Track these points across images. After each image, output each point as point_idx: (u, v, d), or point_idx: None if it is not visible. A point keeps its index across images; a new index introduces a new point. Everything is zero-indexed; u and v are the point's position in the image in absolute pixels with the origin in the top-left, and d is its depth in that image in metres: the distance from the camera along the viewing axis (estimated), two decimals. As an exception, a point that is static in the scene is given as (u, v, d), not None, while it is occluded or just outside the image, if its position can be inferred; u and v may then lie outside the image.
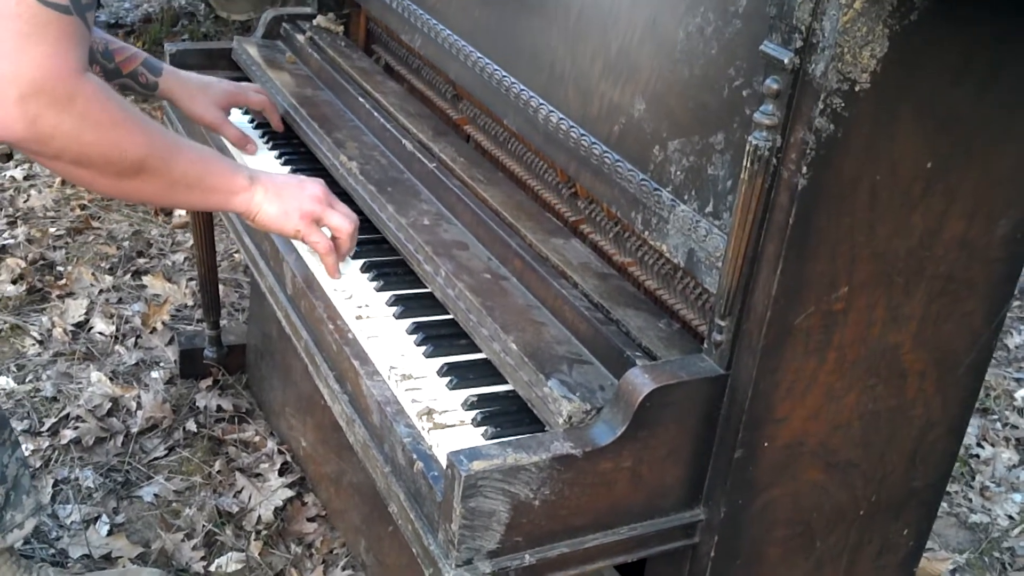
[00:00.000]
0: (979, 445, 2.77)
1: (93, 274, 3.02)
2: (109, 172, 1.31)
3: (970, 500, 2.58)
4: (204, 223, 2.45)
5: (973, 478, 2.65)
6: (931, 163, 1.11)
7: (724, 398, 1.17)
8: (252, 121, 2.02)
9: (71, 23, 1.21)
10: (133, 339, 2.78)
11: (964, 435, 1.37)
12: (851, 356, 1.19)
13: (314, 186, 1.52)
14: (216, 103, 1.86)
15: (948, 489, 2.58)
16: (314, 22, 2.20)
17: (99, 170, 1.30)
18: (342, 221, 1.50)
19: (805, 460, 1.24)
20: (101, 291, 2.96)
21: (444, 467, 1.12)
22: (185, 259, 3.17)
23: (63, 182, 3.49)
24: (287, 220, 1.48)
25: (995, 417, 2.91)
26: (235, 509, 2.24)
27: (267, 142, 1.94)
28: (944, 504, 2.53)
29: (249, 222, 1.50)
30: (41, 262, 3.06)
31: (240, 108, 1.94)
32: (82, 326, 2.81)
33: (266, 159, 1.89)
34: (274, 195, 1.47)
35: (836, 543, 1.35)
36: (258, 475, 2.34)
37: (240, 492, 2.29)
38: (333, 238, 1.51)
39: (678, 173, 1.26)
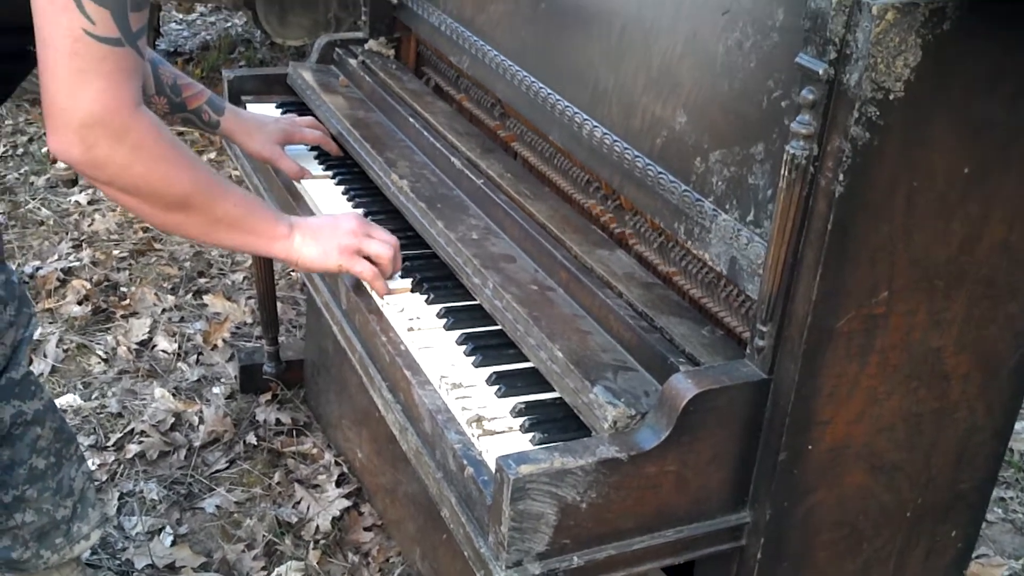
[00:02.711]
0: (1035, 452, 2.73)
1: (156, 294, 3.11)
2: (156, 203, 1.37)
3: (1026, 507, 2.55)
4: (261, 242, 2.52)
5: (1030, 486, 2.62)
6: (968, 169, 1.13)
7: (767, 402, 1.19)
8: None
9: (124, 55, 1.26)
10: (195, 356, 2.86)
11: (1010, 437, 1.38)
12: (893, 360, 1.21)
13: (348, 220, 1.57)
14: (273, 140, 1.93)
15: (1003, 495, 2.55)
16: (366, 46, 2.26)
17: (146, 200, 1.36)
18: (380, 247, 1.56)
19: (850, 463, 1.26)
20: (164, 310, 3.05)
21: (493, 471, 1.16)
22: (244, 278, 3.25)
23: (126, 206, 3.60)
24: (327, 259, 1.53)
25: (1050, 423, 2.86)
26: (294, 519, 2.30)
27: (322, 163, 2.00)
28: (999, 510, 2.50)
29: (293, 267, 1.56)
30: (105, 283, 3.17)
31: (296, 145, 2.00)
32: (146, 344, 2.90)
33: (321, 180, 1.95)
34: (311, 238, 1.53)
35: (883, 545, 1.36)
36: (316, 486, 2.40)
37: (299, 503, 2.34)
38: (376, 264, 1.57)
39: (719, 183, 1.29)
